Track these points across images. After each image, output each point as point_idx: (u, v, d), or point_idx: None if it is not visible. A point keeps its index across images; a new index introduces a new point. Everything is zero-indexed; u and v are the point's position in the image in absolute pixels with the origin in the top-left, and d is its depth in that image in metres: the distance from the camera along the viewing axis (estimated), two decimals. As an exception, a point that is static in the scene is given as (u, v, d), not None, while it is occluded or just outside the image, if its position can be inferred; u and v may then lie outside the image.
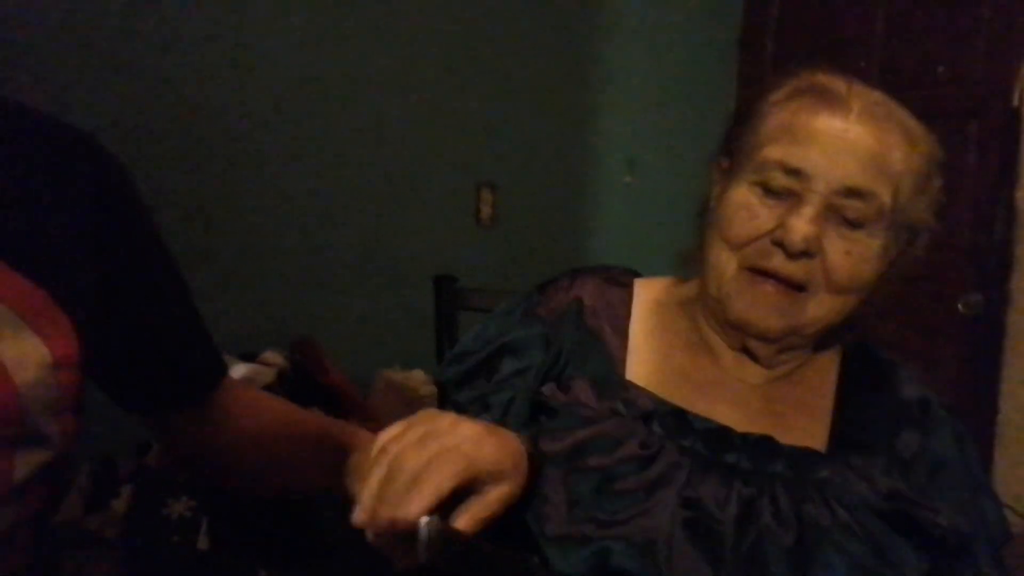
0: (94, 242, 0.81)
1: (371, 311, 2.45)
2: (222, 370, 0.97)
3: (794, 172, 0.79)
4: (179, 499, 1.59)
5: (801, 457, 0.83)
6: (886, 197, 0.80)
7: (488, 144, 2.64)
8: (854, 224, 0.80)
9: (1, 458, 0.72)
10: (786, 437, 0.84)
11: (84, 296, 0.78)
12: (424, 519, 0.50)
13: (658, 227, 2.97)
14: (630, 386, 0.85)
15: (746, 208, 0.81)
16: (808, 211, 0.78)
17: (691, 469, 0.79)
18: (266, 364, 2.06)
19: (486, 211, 2.63)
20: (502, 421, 0.82)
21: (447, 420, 0.63)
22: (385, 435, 0.62)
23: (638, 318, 0.90)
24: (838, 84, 0.82)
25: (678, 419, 0.82)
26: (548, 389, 0.84)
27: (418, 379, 2.26)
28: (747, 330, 0.83)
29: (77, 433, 0.80)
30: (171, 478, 1.59)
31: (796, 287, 0.80)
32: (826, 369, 0.90)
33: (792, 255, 0.79)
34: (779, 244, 0.79)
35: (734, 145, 0.86)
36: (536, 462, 0.71)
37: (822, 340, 0.87)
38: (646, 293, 0.93)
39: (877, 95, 0.83)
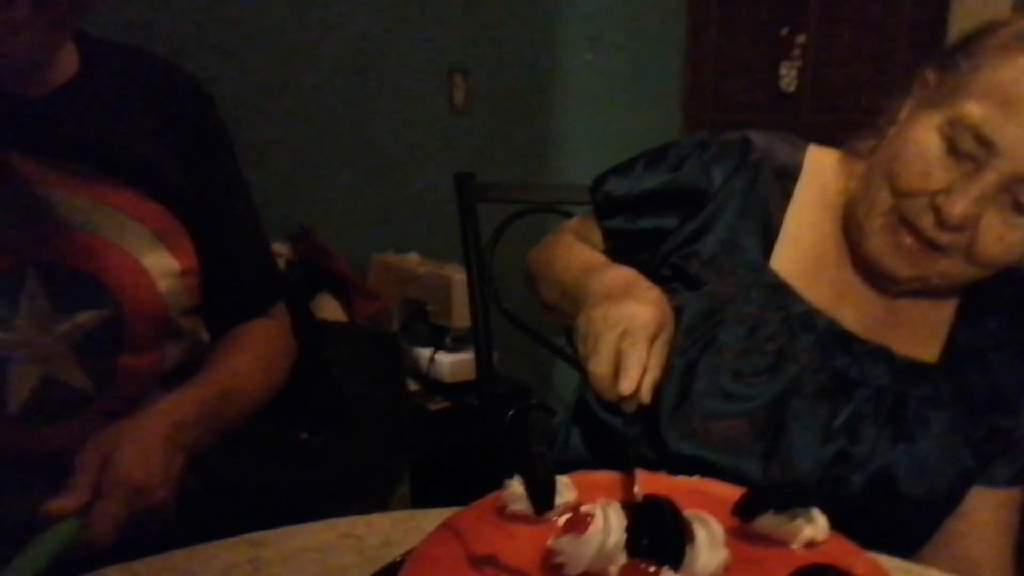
0: (191, 163, 0.94)
1: (359, 199, 2.59)
2: (274, 297, 1.04)
3: (985, 143, 0.76)
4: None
5: (909, 370, 0.88)
6: None
7: (458, 31, 2.72)
8: (1022, 209, 0.77)
9: (156, 349, 0.91)
10: (902, 347, 0.88)
11: (196, 212, 0.93)
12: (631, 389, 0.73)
13: (620, 102, 3.13)
14: (771, 275, 0.90)
15: (923, 159, 0.79)
16: (978, 188, 0.76)
17: (802, 374, 0.86)
18: (275, 255, 2.23)
19: (459, 97, 2.75)
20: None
21: (616, 306, 0.77)
22: (584, 323, 0.77)
23: (805, 182, 0.93)
24: None
25: (806, 319, 0.88)
26: (693, 265, 0.91)
27: (413, 261, 2.45)
28: (875, 268, 0.85)
29: (200, 328, 0.98)
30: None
31: (936, 248, 0.80)
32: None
33: (943, 227, 0.78)
34: (936, 208, 0.78)
35: (948, 64, 0.82)
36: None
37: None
38: (819, 159, 0.94)
39: None
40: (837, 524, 0.71)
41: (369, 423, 2.08)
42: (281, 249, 2.26)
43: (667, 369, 0.82)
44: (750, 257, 0.91)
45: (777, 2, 3.02)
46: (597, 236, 1.02)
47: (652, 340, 0.76)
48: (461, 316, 2.22)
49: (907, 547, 0.91)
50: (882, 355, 0.88)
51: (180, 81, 0.97)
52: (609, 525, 0.54)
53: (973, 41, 0.81)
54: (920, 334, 0.91)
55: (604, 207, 1.00)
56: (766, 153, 0.94)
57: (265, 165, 2.43)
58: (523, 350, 1.24)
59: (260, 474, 1.84)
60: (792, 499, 0.58)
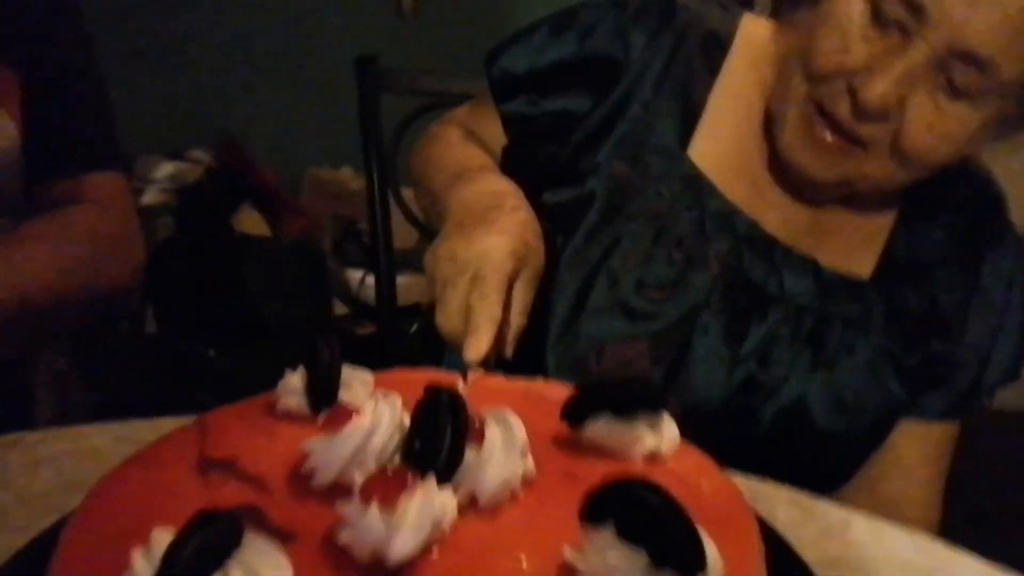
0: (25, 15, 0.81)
1: (296, 109, 2.42)
2: (93, 161, 0.88)
3: (914, 7, 0.62)
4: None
5: (836, 286, 0.77)
6: (1012, 72, 0.63)
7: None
8: (958, 93, 0.64)
9: None
10: (831, 260, 0.77)
11: (29, 65, 0.80)
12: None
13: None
14: (687, 165, 0.77)
15: (841, 31, 0.66)
16: (902, 65, 0.63)
17: (713, 285, 0.75)
18: (193, 162, 2.07)
19: (408, 1, 2.56)
20: (544, 173, 0.80)
21: (465, 243, 0.64)
22: (430, 263, 0.66)
23: (735, 56, 0.79)
24: None
25: (724, 219, 0.76)
26: (603, 152, 0.78)
27: (346, 176, 2.30)
28: (792, 170, 0.73)
29: None
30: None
31: (857, 143, 0.68)
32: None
33: (861, 115, 0.65)
34: (853, 92, 0.65)
35: None
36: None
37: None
38: (753, 30, 0.80)
39: None
40: (746, 460, 0.59)
41: (288, 344, 1.95)
42: (201, 156, 2.10)
43: (541, 304, 0.69)
44: (664, 142, 0.78)
45: None
46: (493, 126, 0.85)
47: (510, 281, 0.64)
48: (397, 235, 2.08)
49: (826, 486, 0.79)
50: (807, 267, 0.77)
51: None
52: (377, 424, 0.41)
53: None
54: (853, 245, 0.79)
55: (502, 86, 0.84)
56: (694, 16, 0.79)
57: (192, 67, 2.26)
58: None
59: (159, 391, 1.72)
60: (634, 400, 0.46)
